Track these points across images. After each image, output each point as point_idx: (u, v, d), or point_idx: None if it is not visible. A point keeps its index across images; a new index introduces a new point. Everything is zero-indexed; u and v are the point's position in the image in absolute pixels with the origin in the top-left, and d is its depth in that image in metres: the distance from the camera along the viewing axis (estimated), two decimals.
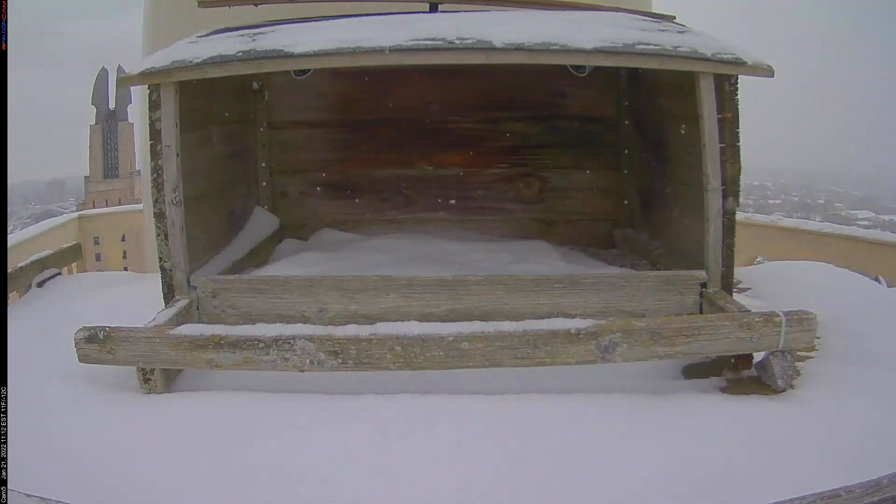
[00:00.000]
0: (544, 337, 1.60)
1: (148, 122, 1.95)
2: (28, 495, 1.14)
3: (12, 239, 3.63)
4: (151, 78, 1.88)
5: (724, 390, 1.71)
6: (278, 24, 2.20)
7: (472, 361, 1.60)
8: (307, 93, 3.09)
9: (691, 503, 1.27)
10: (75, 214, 4.83)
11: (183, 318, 1.85)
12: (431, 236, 2.95)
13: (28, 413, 1.53)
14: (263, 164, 3.10)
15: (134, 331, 1.64)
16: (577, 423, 1.51)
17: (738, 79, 1.92)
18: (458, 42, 1.80)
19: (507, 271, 2.39)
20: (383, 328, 1.63)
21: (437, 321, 1.70)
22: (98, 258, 4.98)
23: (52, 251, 2.80)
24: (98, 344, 1.63)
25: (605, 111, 3.09)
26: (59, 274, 2.77)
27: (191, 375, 1.77)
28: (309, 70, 2.92)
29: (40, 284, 2.60)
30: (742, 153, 1.96)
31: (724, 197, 1.93)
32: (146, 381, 1.67)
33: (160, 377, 1.67)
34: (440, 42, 1.80)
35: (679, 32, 2.06)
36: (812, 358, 1.84)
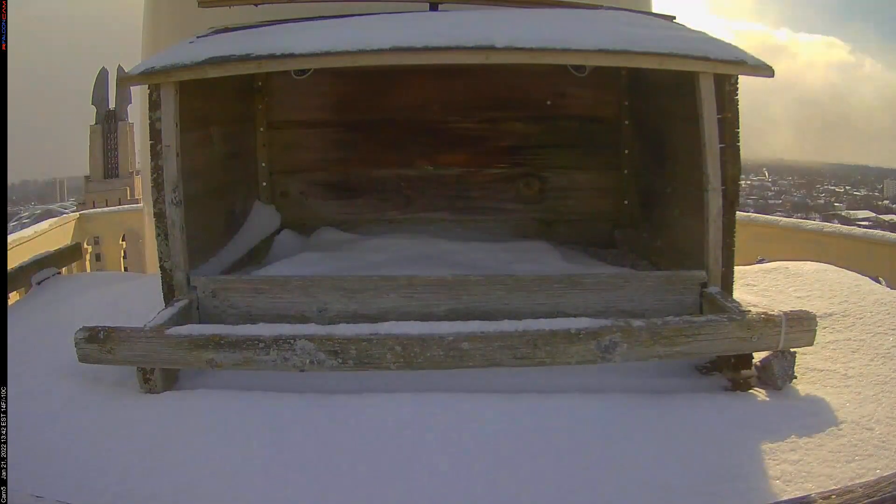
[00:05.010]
0: (544, 337, 1.61)
1: (148, 122, 1.95)
2: (28, 495, 1.14)
3: (12, 238, 3.63)
4: (151, 78, 1.88)
5: (725, 389, 1.71)
6: (278, 24, 2.20)
7: (472, 361, 1.60)
8: (307, 93, 3.09)
9: (691, 503, 1.27)
10: (75, 214, 4.83)
11: (183, 317, 1.85)
12: (431, 236, 2.94)
13: (28, 413, 1.53)
14: (263, 164, 3.09)
15: (134, 331, 1.65)
16: (576, 422, 1.51)
17: (738, 79, 1.92)
18: (458, 42, 1.79)
19: (507, 271, 2.38)
20: (383, 328, 1.63)
21: (437, 321, 1.70)
22: (98, 258, 4.98)
23: (51, 251, 2.80)
24: (98, 344, 1.63)
25: (605, 111, 3.08)
26: (59, 273, 2.77)
27: (191, 374, 1.77)
28: (309, 70, 2.91)
29: (40, 283, 2.61)
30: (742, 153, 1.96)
31: (724, 197, 1.93)
32: (146, 380, 1.67)
33: (160, 377, 1.67)
34: (440, 42, 1.80)
35: (679, 32, 2.05)
36: (812, 357, 1.84)
